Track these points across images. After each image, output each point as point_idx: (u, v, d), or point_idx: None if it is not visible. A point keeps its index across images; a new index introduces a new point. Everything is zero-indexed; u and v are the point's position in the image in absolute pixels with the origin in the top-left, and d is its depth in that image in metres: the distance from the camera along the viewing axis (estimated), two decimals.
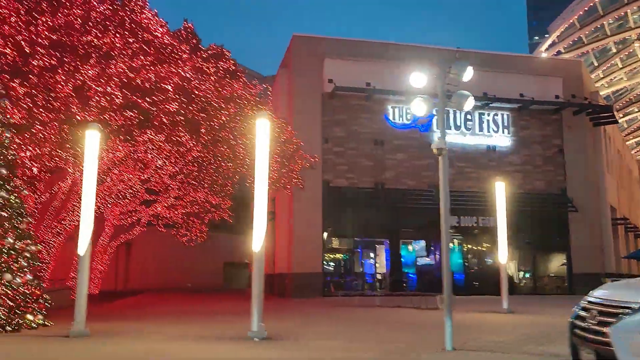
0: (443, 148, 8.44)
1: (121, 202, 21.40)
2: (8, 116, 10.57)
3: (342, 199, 23.04)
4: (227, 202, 23.08)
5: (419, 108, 8.88)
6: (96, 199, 10.00)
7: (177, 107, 13.21)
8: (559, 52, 40.74)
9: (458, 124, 25.22)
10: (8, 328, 9.15)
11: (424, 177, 24.43)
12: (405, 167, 24.22)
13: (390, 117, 24.43)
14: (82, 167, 9.72)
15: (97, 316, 11.71)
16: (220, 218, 23.64)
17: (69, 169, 14.85)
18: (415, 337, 9.37)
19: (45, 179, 15.23)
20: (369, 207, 23.49)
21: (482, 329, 10.62)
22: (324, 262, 23.03)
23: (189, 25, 18.77)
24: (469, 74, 8.81)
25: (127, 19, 16.37)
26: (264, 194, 9.17)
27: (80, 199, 9.84)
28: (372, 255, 24.53)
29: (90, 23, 15.98)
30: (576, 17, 38.76)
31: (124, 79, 13.47)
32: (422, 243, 24.99)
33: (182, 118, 13.46)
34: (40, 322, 9.81)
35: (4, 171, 9.96)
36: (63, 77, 13.07)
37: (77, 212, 15.37)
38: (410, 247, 24.94)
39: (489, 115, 25.66)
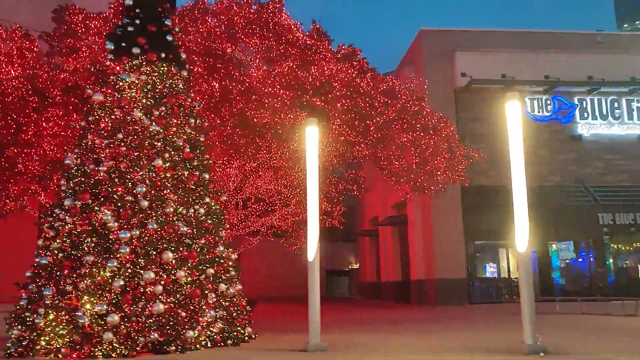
0: None
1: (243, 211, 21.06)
2: (201, 120, 10.16)
3: (483, 199, 21.56)
4: (340, 209, 22.30)
5: None
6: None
7: (349, 104, 12.43)
8: None
9: (604, 112, 23.07)
10: (229, 342, 8.58)
11: (569, 172, 22.51)
12: (549, 162, 22.39)
13: (529, 110, 22.72)
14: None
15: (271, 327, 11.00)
16: (331, 225, 22.90)
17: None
18: None
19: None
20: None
21: None
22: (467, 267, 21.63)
23: (317, 26, 18.23)
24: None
25: (270, 20, 16.03)
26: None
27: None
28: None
29: (235, 27, 15.75)
30: None
31: (288, 80, 12.91)
32: (570, 244, 22.97)
33: (353, 115, 12.67)
34: (250, 335, 9.22)
35: (206, 176, 9.49)
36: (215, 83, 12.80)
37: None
38: (558, 249, 23.00)
39: (638, 102, 23.31)
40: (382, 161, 14.16)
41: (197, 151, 9.43)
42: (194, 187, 9.09)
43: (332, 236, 34.36)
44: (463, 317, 14.29)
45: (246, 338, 9.05)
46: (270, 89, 12.61)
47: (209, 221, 9.14)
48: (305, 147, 8.33)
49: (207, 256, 8.80)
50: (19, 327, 8.12)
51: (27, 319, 8.03)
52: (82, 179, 8.60)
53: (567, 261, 22.94)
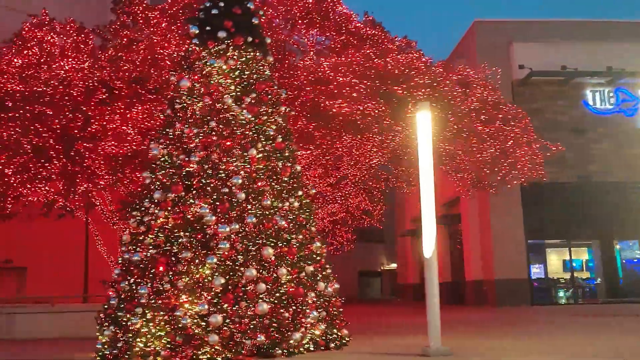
0: None
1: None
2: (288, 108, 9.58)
3: (542, 196, 20.67)
4: (382, 207, 21.63)
5: None
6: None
7: (429, 93, 11.74)
8: None
9: None
10: (332, 345, 7.97)
11: (634, 168, 21.46)
12: (613, 157, 21.38)
13: (590, 102, 21.76)
14: None
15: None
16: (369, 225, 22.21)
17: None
18: None
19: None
20: (573, 204, 20.91)
21: None
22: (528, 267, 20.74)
23: (370, 17, 17.61)
24: None
25: (330, 9, 15.49)
26: None
27: None
28: (581, 258, 21.85)
29: (296, 17, 15.23)
30: None
31: (363, 68, 12.28)
32: (636, 243, 21.90)
33: (433, 105, 11.96)
34: (346, 337, 8.58)
35: (298, 168, 8.90)
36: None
37: None
38: (624, 249, 21.97)
39: None
40: (459, 155, 13.44)
41: (288, 141, 8.85)
42: (287, 179, 8.50)
43: (364, 237, 33.72)
44: (552, 319, 13.41)
45: (344, 342, 8.42)
46: (344, 78, 12.00)
47: (303, 216, 8.55)
48: (417, 134, 7.65)
49: (304, 252, 8.20)
50: (111, 327, 7.63)
51: (121, 319, 7.53)
52: (173, 170, 8.08)
53: (635, 260, 21.91)
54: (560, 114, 21.54)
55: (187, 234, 7.53)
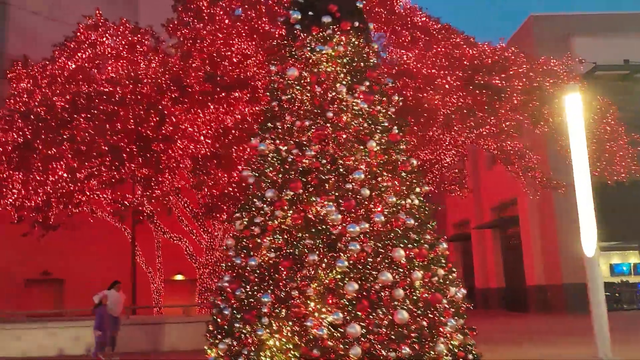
0: None
1: None
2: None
3: (611, 196, 19.65)
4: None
5: None
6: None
7: (525, 83, 10.96)
8: None
9: None
10: (470, 357, 7.15)
11: None
12: None
13: None
14: None
15: None
16: None
17: None
18: None
19: None
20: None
21: None
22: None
23: (425, 12, 16.97)
24: None
25: (395, 3, 14.85)
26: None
27: None
28: None
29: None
30: None
31: (452, 59, 11.55)
32: None
33: (527, 97, 11.20)
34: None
35: (414, 162, 8.13)
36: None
37: None
38: None
39: None
40: (527, 154, 12.64)
41: (403, 133, 8.10)
42: (405, 174, 7.74)
43: None
44: None
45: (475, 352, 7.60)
46: (429, 70, 11.27)
47: (424, 214, 7.78)
48: (567, 119, 6.86)
49: (433, 254, 7.42)
50: (226, 340, 6.91)
51: (238, 331, 6.81)
52: (286, 167, 7.37)
53: None
54: (623, 110, 20.54)
55: (311, 234, 6.80)
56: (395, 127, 7.87)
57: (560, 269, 19.20)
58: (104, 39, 14.75)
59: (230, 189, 10.33)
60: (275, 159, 7.55)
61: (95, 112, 10.31)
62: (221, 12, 13.67)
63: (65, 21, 24.09)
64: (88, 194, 13.46)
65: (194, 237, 17.04)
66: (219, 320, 7.22)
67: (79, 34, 15.01)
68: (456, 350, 6.99)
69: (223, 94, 11.18)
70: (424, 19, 15.05)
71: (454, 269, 7.84)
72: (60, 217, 17.11)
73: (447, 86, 10.62)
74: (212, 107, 11.12)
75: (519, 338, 10.69)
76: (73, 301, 24.98)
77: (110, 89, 11.57)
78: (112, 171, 10.62)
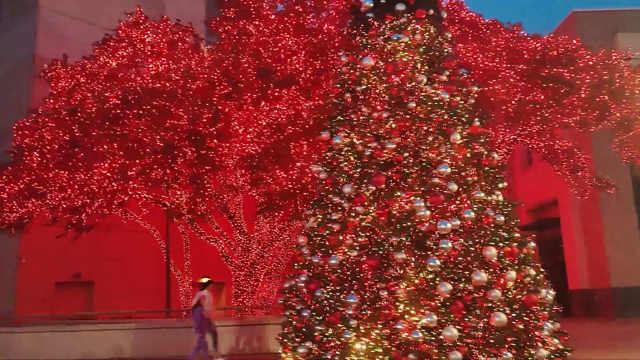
0: None
1: None
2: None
3: None
4: None
5: None
6: None
7: (594, 77, 10.47)
8: None
9: None
10: None
11: None
12: None
13: None
14: None
15: None
16: None
17: None
18: None
19: None
20: None
21: None
22: None
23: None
24: None
25: None
26: None
27: None
28: None
29: None
30: None
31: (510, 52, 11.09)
32: None
33: (593, 91, 10.70)
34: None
35: (496, 156, 7.69)
36: None
37: None
38: None
39: None
40: (575, 154, 12.12)
41: (483, 126, 7.67)
42: (490, 169, 7.31)
43: None
44: None
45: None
46: (488, 63, 10.82)
47: (508, 210, 7.33)
48: None
49: (523, 253, 6.98)
50: (306, 343, 6.52)
51: (320, 334, 6.42)
52: (365, 160, 6.98)
53: None
54: None
55: (396, 232, 6.39)
56: (476, 119, 7.46)
57: (608, 272, 18.56)
58: (145, 36, 14.53)
59: (291, 186, 9.96)
60: (350, 153, 7.17)
61: (149, 107, 10.01)
62: (267, 7, 13.39)
63: (95, 22, 24.04)
64: (130, 193, 13.18)
65: (224, 239, 16.66)
66: (294, 322, 6.85)
67: (120, 31, 14.82)
68: (553, 357, 6.53)
69: (276, 90, 10.83)
70: (471, 13, 14.67)
71: (542, 269, 7.39)
72: (93, 219, 16.89)
73: (511, 80, 10.16)
74: (264, 103, 10.78)
75: (604, 342, 10.14)
76: (102, 304, 24.81)
77: (158, 85, 11.30)
78: (165, 169, 10.28)
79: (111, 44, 14.91)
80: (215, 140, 10.19)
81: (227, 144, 10.42)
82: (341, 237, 6.63)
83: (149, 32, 14.55)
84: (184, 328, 12.95)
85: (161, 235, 19.95)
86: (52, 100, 15.34)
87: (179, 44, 14.05)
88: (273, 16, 13.30)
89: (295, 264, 7.29)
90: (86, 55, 16.10)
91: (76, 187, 11.67)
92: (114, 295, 24.61)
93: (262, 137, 10.40)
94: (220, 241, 16.44)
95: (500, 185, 7.47)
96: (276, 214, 11.01)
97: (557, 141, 14.47)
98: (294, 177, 10.02)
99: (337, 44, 11.62)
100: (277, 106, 10.66)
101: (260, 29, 12.40)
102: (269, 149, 10.15)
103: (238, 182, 10.63)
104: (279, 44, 12.20)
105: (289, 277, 7.38)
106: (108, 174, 11.68)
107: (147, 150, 10.05)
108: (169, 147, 10.00)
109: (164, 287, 23.55)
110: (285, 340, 6.88)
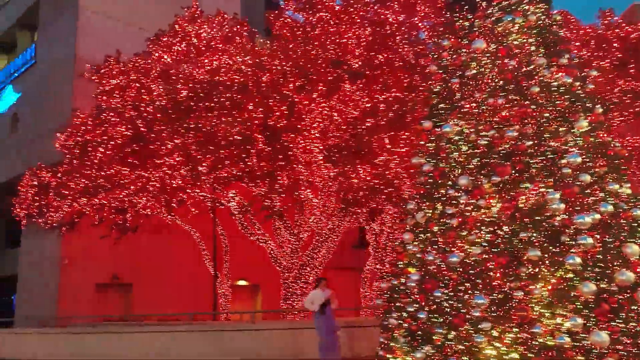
0: None
1: None
2: None
3: None
4: None
5: None
6: None
7: None
8: None
9: None
10: None
11: None
12: None
13: None
14: None
15: None
16: None
17: None
18: None
19: None
20: None
21: None
22: None
23: None
24: None
25: None
26: None
27: None
28: None
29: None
30: None
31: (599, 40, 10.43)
32: None
33: None
34: None
35: (618, 145, 7.07)
36: None
37: None
38: None
39: None
40: None
41: (605, 114, 7.08)
42: (617, 159, 6.70)
43: None
44: None
45: None
46: (578, 53, 10.19)
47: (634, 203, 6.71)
48: None
49: None
50: (424, 348, 5.98)
51: (441, 337, 5.87)
52: (483, 150, 6.43)
53: None
54: None
55: (526, 227, 5.82)
56: (598, 106, 6.86)
57: None
58: (201, 30, 14.19)
59: (376, 182, 9.39)
60: (462, 142, 6.62)
61: (222, 100, 9.56)
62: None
63: (132, 22, 23.86)
64: (189, 191, 12.78)
65: (266, 240, 16.14)
66: (406, 324, 6.31)
67: (176, 26, 14.51)
68: None
69: (348, 82, 10.33)
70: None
71: None
72: (137, 220, 16.53)
73: (607, 68, 9.52)
74: (338, 95, 10.28)
75: None
76: (141, 306, 24.53)
77: (225, 78, 10.89)
78: (239, 163, 9.82)
79: (163, 39, 14.63)
80: (291, 135, 9.71)
81: (301, 138, 9.93)
82: (463, 233, 6.07)
83: (205, 25, 14.22)
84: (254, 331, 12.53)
85: (201, 237, 19.58)
86: (105, 97, 15.10)
87: (236, 38, 13.69)
88: (337, 7, 12.86)
89: (400, 263, 6.76)
90: (133, 54, 15.85)
91: (139, 184, 11.31)
92: (152, 298, 24.32)
93: (340, 131, 9.89)
94: (271, 241, 15.97)
95: (625, 176, 6.87)
96: (358, 210, 10.48)
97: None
98: (378, 172, 9.47)
99: (405, 35, 11.10)
100: (353, 97, 10.15)
101: (326, 19, 11.96)
102: (350, 142, 9.63)
103: (315, 177, 10.13)
104: (345, 35, 11.73)
105: (390, 276, 6.86)
106: (174, 172, 11.28)
107: (223, 143, 9.57)
108: (245, 140, 9.54)
109: (202, 289, 23.25)
110: (392, 344, 6.34)
